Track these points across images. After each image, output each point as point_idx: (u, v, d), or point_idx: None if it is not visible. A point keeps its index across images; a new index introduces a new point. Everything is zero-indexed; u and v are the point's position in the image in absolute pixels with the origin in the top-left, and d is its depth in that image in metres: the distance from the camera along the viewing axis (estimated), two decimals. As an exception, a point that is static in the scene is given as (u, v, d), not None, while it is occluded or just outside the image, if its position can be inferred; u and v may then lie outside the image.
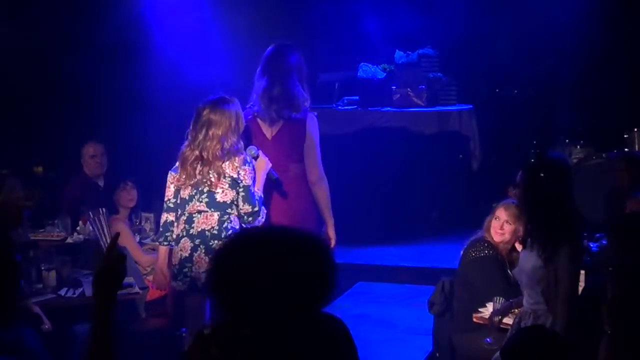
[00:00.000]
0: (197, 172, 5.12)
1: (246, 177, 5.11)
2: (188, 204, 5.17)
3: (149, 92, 8.24)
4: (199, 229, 5.11)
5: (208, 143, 5.08)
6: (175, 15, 8.64)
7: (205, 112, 5.12)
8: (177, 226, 5.20)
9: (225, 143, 5.07)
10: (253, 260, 2.40)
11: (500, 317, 4.83)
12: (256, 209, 5.13)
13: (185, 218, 5.16)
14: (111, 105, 8.37)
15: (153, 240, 6.84)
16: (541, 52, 9.56)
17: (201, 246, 5.10)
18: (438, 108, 8.94)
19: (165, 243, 5.26)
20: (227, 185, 5.10)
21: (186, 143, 5.20)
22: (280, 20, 8.62)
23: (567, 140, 8.54)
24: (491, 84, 9.77)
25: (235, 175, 5.09)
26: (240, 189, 5.12)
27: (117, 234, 2.82)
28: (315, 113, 5.60)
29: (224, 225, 5.10)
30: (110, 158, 7.47)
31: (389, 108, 8.90)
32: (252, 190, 5.13)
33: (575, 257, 4.26)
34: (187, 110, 8.27)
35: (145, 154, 8.19)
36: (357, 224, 8.05)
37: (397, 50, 9.06)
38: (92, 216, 6.36)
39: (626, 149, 7.96)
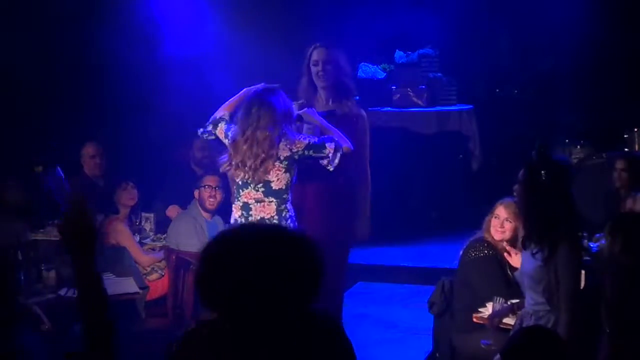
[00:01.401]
0: (249, 165, 5.03)
1: (301, 144, 5.04)
2: (242, 190, 5.12)
3: (149, 93, 8.23)
4: (258, 218, 5.04)
5: (258, 133, 4.98)
6: (176, 16, 8.64)
7: (253, 104, 5.03)
8: (234, 212, 5.17)
9: (276, 131, 4.98)
10: (239, 255, 2.40)
11: (499, 318, 4.83)
12: (331, 145, 5.04)
13: (240, 205, 5.12)
14: (111, 105, 8.37)
15: (153, 240, 6.86)
16: (541, 52, 9.57)
17: None
18: (438, 108, 8.95)
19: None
20: (283, 170, 5.05)
21: (238, 138, 5.09)
22: (280, 20, 8.62)
23: (567, 140, 8.55)
24: (491, 84, 9.77)
25: (288, 154, 5.03)
26: (307, 152, 5.05)
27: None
28: (310, 125, 5.39)
29: (282, 215, 5.06)
30: (110, 158, 7.47)
31: (389, 108, 8.90)
32: (314, 141, 5.06)
33: (576, 256, 4.25)
34: (186, 110, 8.27)
35: (145, 154, 8.19)
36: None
37: (397, 50, 9.06)
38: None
39: (626, 149, 7.97)
